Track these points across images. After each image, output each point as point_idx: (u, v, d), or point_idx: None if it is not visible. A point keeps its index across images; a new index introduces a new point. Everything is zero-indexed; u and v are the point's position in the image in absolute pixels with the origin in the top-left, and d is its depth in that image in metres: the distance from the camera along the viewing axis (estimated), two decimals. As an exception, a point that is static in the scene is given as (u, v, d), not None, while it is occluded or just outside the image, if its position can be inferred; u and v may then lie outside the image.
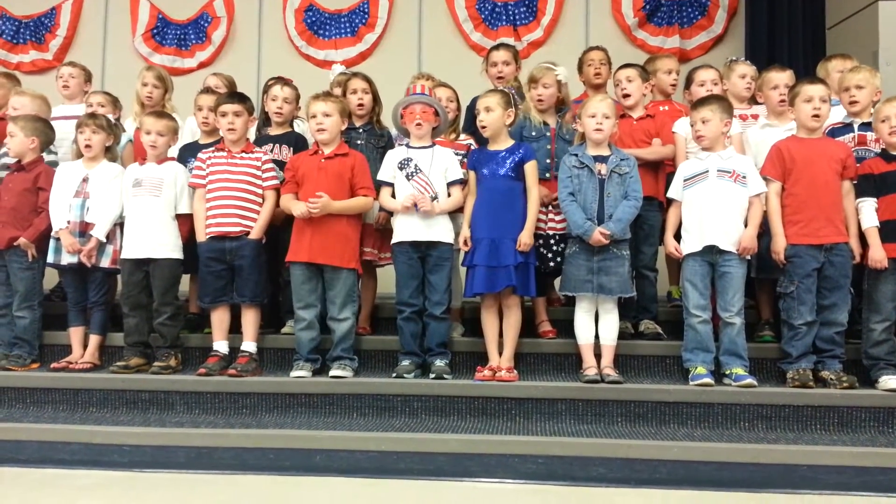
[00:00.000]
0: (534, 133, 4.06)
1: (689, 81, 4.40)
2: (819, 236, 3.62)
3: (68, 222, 4.02)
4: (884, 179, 3.65)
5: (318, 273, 3.86)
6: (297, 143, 4.22)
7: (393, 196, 3.86)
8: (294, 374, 3.78)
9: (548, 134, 4.07)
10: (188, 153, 4.24)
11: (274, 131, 4.30)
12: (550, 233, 3.99)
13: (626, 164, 3.74)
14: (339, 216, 3.82)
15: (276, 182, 3.98)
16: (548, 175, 3.96)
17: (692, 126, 3.80)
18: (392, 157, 3.91)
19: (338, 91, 4.40)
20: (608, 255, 3.68)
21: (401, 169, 3.84)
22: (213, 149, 4.03)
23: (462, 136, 4.22)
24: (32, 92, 4.62)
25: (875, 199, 3.66)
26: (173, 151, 4.24)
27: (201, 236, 3.93)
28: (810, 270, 3.63)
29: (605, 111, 3.71)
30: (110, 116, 4.26)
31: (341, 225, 3.84)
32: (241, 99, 4.02)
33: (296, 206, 3.78)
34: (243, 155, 3.98)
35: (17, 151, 4.16)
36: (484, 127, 3.82)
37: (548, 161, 4.01)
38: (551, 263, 3.97)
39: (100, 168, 4.11)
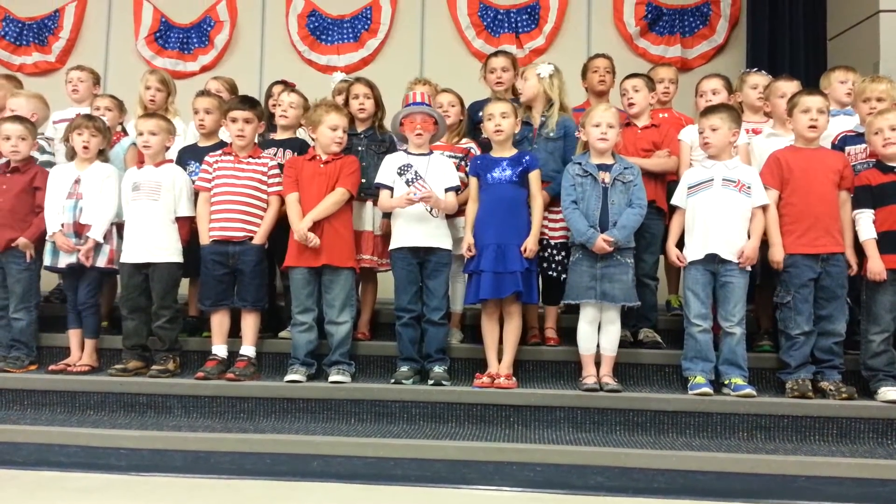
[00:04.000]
0: (517, 137, 4.05)
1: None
2: (816, 246, 3.63)
3: (62, 225, 4.02)
4: (881, 191, 3.65)
5: (316, 277, 3.87)
6: (302, 149, 4.22)
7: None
8: (288, 378, 3.77)
9: (529, 135, 4.05)
10: (188, 155, 4.25)
11: (279, 136, 4.31)
12: (553, 242, 3.97)
13: (629, 173, 3.74)
14: (334, 219, 3.83)
15: (281, 188, 3.97)
16: None
17: (700, 133, 3.79)
18: (391, 162, 3.92)
19: (339, 99, 4.42)
20: (611, 263, 3.68)
21: (400, 174, 3.86)
22: (220, 152, 4.03)
23: (464, 140, 4.23)
24: (28, 92, 4.62)
25: (872, 211, 3.66)
26: (173, 153, 4.24)
27: (205, 239, 3.93)
28: (806, 280, 3.63)
29: (609, 120, 3.72)
30: (105, 119, 4.26)
31: (337, 226, 3.86)
32: (252, 105, 4.02)
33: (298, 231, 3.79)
34: (250, 160, 3.99)
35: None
36: (500, 131, 3.81)
37: None
38: (552, 274, 3.95)
39: (92, 169, 4.09)
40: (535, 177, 3.81)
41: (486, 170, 3.83)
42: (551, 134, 4.00)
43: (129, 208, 4.01)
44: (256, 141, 4.15)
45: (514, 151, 3.87)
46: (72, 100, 4.78)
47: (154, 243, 3.95)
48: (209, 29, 6.78)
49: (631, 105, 4.17)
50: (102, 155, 4.17)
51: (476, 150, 4.13)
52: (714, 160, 3.74)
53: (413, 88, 4.28)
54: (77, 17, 6.85)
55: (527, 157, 3.82)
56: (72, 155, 4.15)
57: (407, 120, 3.91)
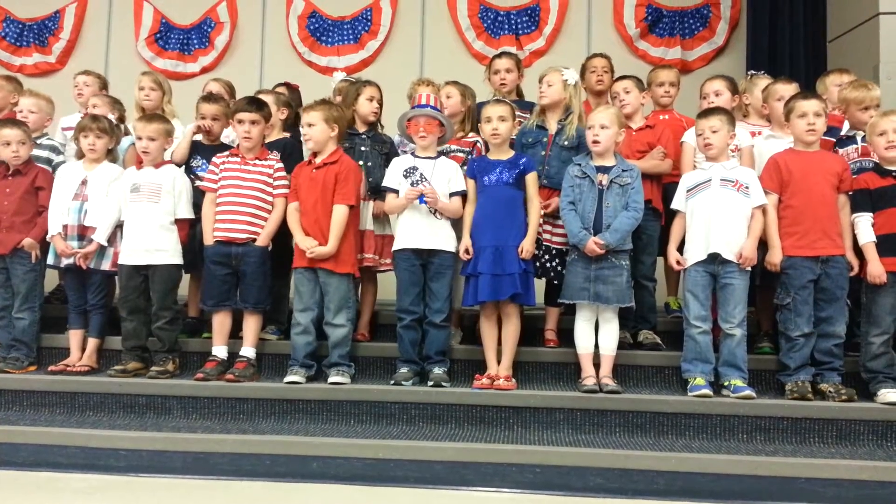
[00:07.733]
0: (530, 139, 4.06)
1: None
2: (815, 248, 3.63)
3: (65, 226, 4.02)
4: (880, 194, 3.66)
5: (317, 278, 3.87)
6: (287, 148, 4.20)
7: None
8: (287, 379, 3.77)
9: (544, 140, 4.05)
10: (192, 151, 4.24)
11: (268, 138, 4.30)
12: (552, 246, 3.96)
13: (628, 175, 3.74)
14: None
15: (287, 190, 3.97)
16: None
17: (699, 135, 3.78)
18: (398, 165, 3.93)
19: (339, 99, 4.41)
20: (605, 264, 3.68)
21: (406, 177, 3.87)
22: (227, 153, 4.02)
23: (471, 135, 4.22)
24: (41, 94, 4.65)
25: (871, 214, 3.66)
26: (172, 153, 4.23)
27: (209, 240, 3.93)
28: (806, 282, 3.63)
29: (602, 121, 3.72)
30: (111, 117, 4.27)
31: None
32: (259, 106, 3.99)
33: (301, 240, 3.81)
34: (256, 162, 3.98)
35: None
36: (497, 135, 3.81)
37: (539, 168, 3.96)
38: (552, 273, 3.95)
39: (99, 170, 4.10)
40: (531, 179, 3.81)
41: (482, 172, 3.83)
42: (566, 142, 3.98)
43: (129, 210, 4.01)
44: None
45: (510, 154, 3.87)
46: (77, 103, 4.80)
47: (154, 245, 3.95)
48: (209, 30, 6.79)
49: (623, 107, 4.15)
50: (111, 154, 4.18)
51: (482, 144, 4.12)
52: (712, 162, 3.75)
53: (417, 90, 4.27)
54: (77, 17, 6.86)
55: (523, 160, 3.83)
56: (80, 154, 4.16)
57: (411, 122, 3.92)
